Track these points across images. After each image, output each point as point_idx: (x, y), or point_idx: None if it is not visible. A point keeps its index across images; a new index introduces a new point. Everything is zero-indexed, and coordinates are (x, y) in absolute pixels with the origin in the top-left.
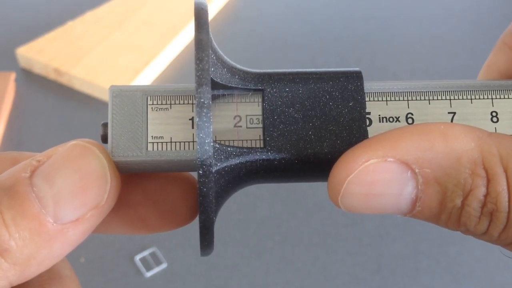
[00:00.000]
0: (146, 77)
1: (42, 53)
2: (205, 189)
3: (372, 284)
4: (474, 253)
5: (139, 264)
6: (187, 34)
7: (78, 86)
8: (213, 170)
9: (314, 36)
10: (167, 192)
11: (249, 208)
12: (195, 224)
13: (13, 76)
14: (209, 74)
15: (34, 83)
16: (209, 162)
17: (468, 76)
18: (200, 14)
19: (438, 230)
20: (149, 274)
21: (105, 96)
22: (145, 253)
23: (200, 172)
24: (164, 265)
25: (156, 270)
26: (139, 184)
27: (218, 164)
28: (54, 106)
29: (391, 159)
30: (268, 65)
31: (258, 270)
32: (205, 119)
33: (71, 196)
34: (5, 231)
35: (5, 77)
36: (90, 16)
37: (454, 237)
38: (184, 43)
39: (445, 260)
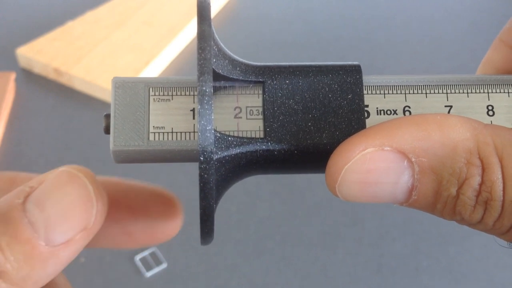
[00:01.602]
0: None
1: (42, 53)
2: (206, 176)
3: (372, 284)
4: (474, 253)
5: (139, 264)
6: (187, 34)
7: (78, 86)
8: (214, 158)
9: (314, 36)
10: (151, 209)
11: (249, 208)
12: (195, 224)
13: (13, 76)
14: (211, 63)
15: (34, 83)
16: (210, 149)
17: None
18: (203, 7)
19: (438, 230)
20: (149, 274)
21: (105, 96)
22: (145, 253)
23: (201, 158)
24: (164, 265)
25: (156, 270)
26: (124, 201)
27: (219, 152)
28: (54, 106)
29: (388, 148)
30: None
31: (258, 270)
32: (206, 107)
33: (60, 220)
34: (1, 255)
35: (5, 77)
36: (90, 16)
37: (454, 237)
38: (184, 43)
39: (445, 260)
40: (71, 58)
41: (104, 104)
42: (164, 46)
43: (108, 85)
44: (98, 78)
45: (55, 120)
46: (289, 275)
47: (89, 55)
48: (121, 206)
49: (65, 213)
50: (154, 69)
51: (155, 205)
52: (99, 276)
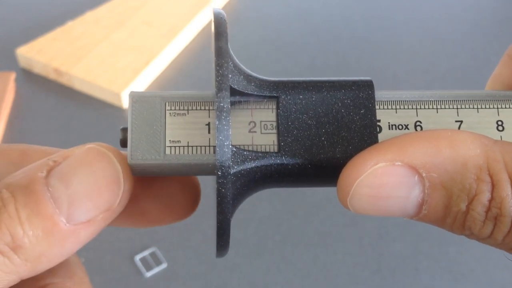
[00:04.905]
0: (146, 77)
1: (42, 53)
2: (223, 190)
3: (372, 284)
4: (474, 253)
5: (139, 264)
6: (187, 34)
7: (78, 86)
8: (231, 172)
9: (314, 36)
10: (167, 186)
11: (249, 208)
12: (195, 224)
13: (13, 76)
14: (228, 79)
15: (34, 83)
16: (227, 164)
17: (468, 76)
18: (220, 23)
19: (438, 230)
20: (149, 274)
21: (105, 96)
22: (145, 253)
23: (219, 173)
24: (164, 265)
25: (156, 270)
26: (140, 179)
27: (235, 167)
28: (54, 106)
29: (399, 163)
30: (268, 66)
31: (258, 270)
32: (224, 123)
33: (85, 199)
34: (19, 229)
35: (5, 77)
36: (90, 16)
37: (454, 237)
38: (184, 43)
39: (445, 260)
40: (71, 58)
41: (104, 104)
42: (164, 46)
43: (108, 85)
44: (98, 78)
45: (55, 120)
46: (289, 275)
47: (89, 55)
48: (136, 182)
49: (91, 191)
50: (154, 69)
51: (171, 181)
52: (99, 276)
